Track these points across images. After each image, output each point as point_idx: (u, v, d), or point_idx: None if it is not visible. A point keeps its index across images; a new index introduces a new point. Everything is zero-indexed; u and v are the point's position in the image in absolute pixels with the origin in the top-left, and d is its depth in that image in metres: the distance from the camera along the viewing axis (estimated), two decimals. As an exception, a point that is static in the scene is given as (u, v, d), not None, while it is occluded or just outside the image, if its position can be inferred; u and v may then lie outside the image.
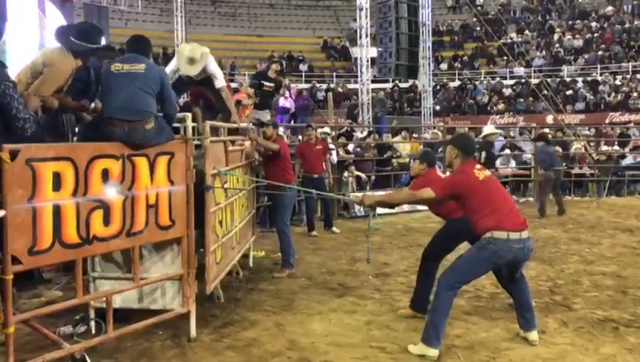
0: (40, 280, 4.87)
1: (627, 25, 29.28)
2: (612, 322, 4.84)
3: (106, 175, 3.69)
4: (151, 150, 4.02)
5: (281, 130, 9.00)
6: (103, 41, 4.77)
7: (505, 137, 16.07)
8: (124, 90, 4.02)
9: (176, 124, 4.81)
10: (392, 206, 4.80)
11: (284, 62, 10.15)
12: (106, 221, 3.69)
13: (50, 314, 3.83)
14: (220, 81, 6.38)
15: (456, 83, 27.60)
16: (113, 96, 4.06)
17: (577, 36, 29.28)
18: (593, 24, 30.07)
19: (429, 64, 20.71)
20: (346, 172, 11.14)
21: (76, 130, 4.83)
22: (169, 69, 6.36)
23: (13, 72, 4.00)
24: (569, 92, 25.34)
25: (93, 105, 4.62)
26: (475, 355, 4.14)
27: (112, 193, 3.73)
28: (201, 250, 4.73)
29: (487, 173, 4.29)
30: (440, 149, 11.26)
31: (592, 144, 15.25)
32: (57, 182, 3.39)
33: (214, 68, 6.37)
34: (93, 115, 4.59)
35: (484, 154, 10.51)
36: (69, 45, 4.29)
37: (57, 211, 3.38)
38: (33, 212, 3.25)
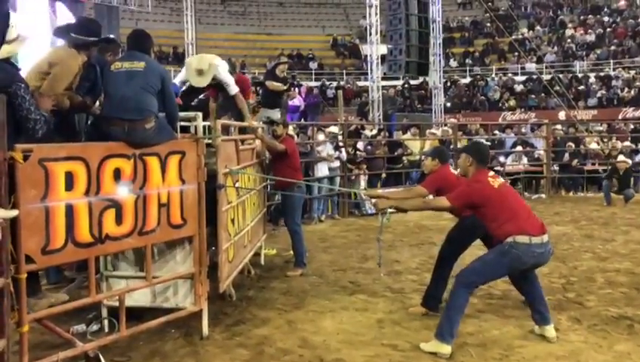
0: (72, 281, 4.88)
1: (640, 19, 28.98)
2: (626, 319, 4.80)
3: (117, 174, 3.71)
4: (162, 149, 4.02)
5: (291, 128, 8.97)
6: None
7: (516, 134, 15.96)
8: (123, 88, 3.98)
9: (187, 123, 4.81)
10: (405, 211, 4.76)
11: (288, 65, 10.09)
12: (119, 220, 3.71)
13: (63, 313, 3.85)
14: (233, 88, 6.20)
15: (467, 79, 27.46)
16: (112, 95, 4.03)
17: (589, 31, 28.99)
18: (605, 19, 29.76)
19: (440, 61, 20.65)
20: (357, 170, 11.12)
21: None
22: (178, 79, 6.27)
23: (22, 74, 4.01)
24: (581, 88, 25.13)
25: (97, 103, 4.62)
26: (487, 353, 4.12)
27: (123, 192, 3.74)
28: (213, 248, 4.74)
29: (501, 180, 4.31)
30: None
31: (605, 140, 15.12)
32: (70, 181, 3.41)
33: (225, 76, 6.17)
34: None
35: None
36: (71, 41, 4.30)
37: (70, 210, 3.41)
38: (46, 211, 3.28)
